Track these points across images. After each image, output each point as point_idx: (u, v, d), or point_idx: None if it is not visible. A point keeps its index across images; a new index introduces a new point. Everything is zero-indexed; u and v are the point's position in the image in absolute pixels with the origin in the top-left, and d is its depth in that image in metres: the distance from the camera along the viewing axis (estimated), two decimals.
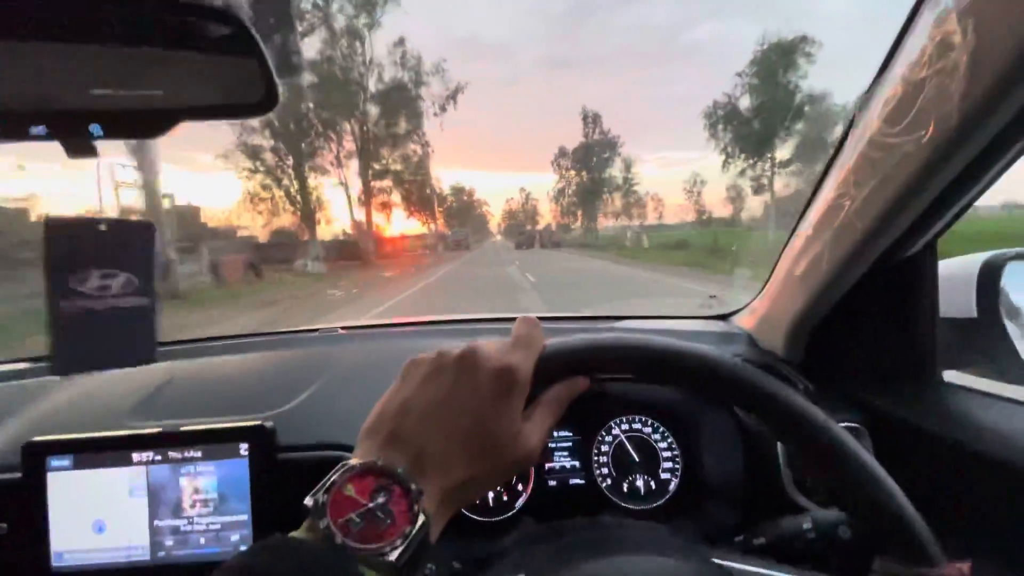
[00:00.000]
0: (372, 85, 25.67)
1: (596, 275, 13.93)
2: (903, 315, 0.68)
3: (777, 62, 26.38)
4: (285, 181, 23.32)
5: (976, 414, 0.61)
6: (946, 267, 0.66)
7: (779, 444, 0.67)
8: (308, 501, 0.31)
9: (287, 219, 23.46)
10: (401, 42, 26.31)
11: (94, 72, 0.44)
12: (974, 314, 0.66)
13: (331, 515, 0.30)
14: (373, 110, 26.05)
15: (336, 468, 0.32)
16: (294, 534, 0.30)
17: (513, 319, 0.42)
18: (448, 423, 0.34)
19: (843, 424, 0.66)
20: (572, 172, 58.56)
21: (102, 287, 0.39)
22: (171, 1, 0.41)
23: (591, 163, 54.62)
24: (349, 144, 24.96)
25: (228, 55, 0.45)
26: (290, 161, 22.94)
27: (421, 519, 0.31)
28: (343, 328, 1.09)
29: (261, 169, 22.76)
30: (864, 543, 0.40)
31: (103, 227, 0.43)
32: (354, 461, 0.32)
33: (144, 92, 0.44)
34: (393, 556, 0.29)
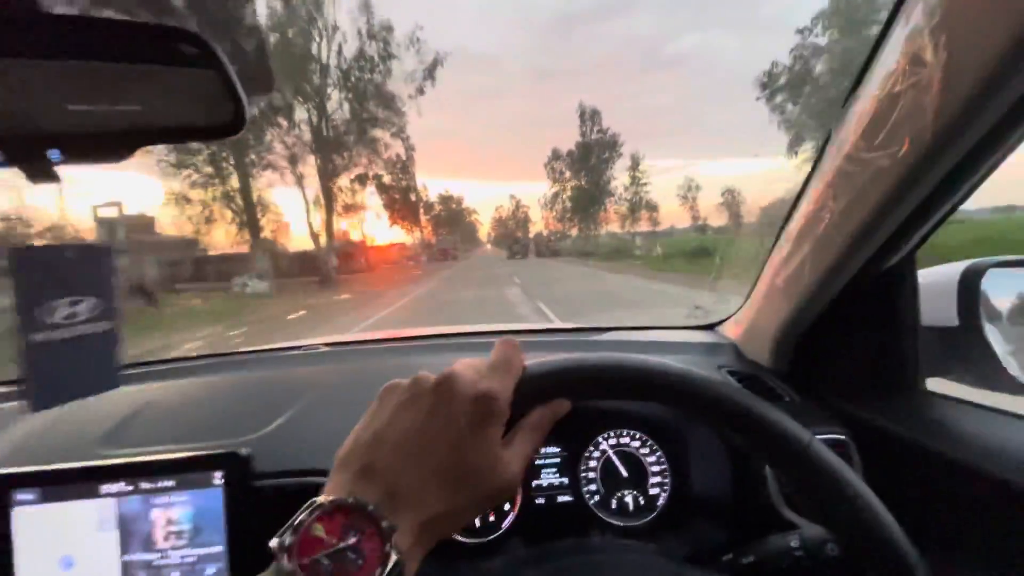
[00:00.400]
0: (332, 58, 21.30)
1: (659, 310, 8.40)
2: (885, 324, 0.69)
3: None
4: (220, 180, 19.40)
5: (958, 424, 0.61)
6: (927, 275, 0.67)
7: None
8: (273, 543, 0.30)
9: (224, 228, 19.99)
10: (367, 6, 22.26)
11: (51, 94, 0.42)
12: (955, 322, 0.67)
13: (299, 556, 0.29)
14: (334, 92, 22.10)
15: (304, 507, 0.31)
16: None
17: (499, 332, 0.41)
18: (423, 454, 0.33)
19: (828, 435, 0.66)
20: (568, 175, 55.62)
21: (71, 315, 0.38)
22: (131, 22, 0.40)
23: (590, 163, 51.41)
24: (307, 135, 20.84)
25: (193, 76, 0.44)
26: (227, 155, 18.55)
27: (393, 558, 0.30)
28: (326, 345, 1.07)
29: (189, 164, 18.69)
30: (852, 561, 0.39)
31: (69, 253, 0.41)
32: (323, 499, 0.31)
33: (104, 115, 0.43)
34: None
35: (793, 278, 0.68)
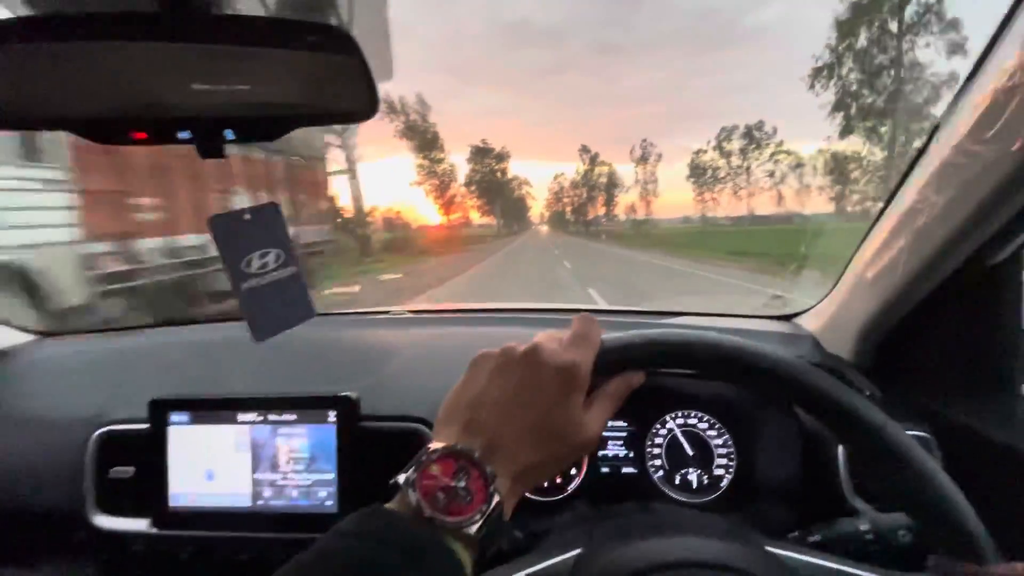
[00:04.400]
0: None
1: None
2: (983, 325, 0.66)
3: None
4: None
5: None
6: None
7: (840, 447, 0.67)
8: (400, 478, 0.35)
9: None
10: None
11: (222, 80, 0.51)
12: None
13: (420, 491, 0.34)
14: None
15: (421, 451, 0.36)
16: (388, 505, 0.35)
17: (570, 310, 0.45)
18: (516, 416, 0.38)
19: (910, 432, 0.65)
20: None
21: (263, 265, 0.47)
22: (282, 20, 0.47)
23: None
24: None
25: (333, 64, 0.51)
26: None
27: (496, 498, 0.35)
28: (410, 312, 1.16)
29: None
30: (923, 545, 0.41)
31: (247, 216, 0.49)
32: (436, 445, 0.37)
33: (265, 99, 0.51)
34: (472, 530, 0.33)
35: (885, 272, 0.67)
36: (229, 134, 0.50)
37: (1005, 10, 0.41)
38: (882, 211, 0.68)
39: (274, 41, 0.49)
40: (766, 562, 0.40)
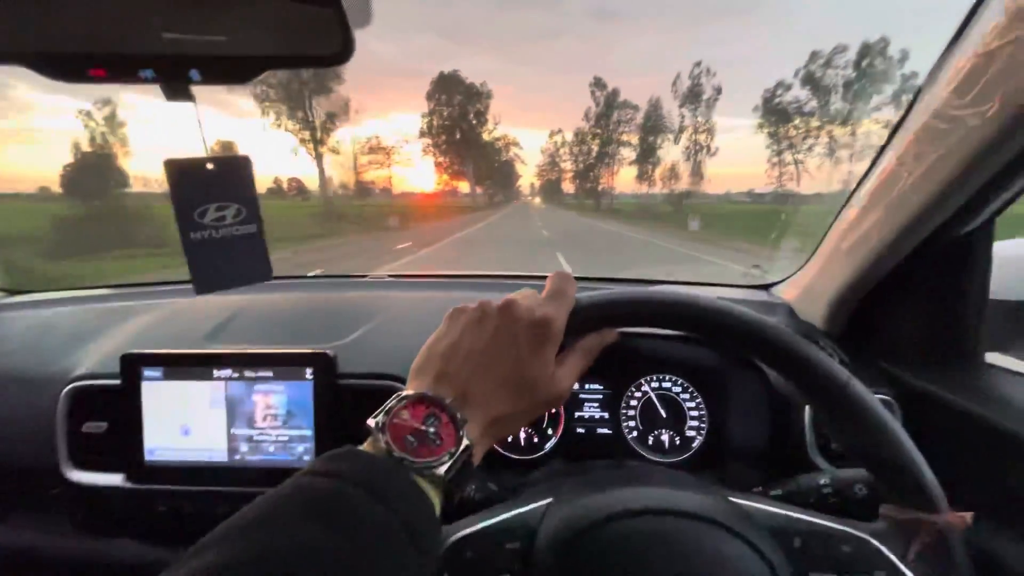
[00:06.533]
0: None
1: None
2: (951, 293, 0.67)
3: None
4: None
5: (1016, 395, 0.61)
6: (1001, 248, 0.65)
7: (806, 409, 0.69)
8: (371, 422, 0.36)
9: None
10: None
11: (188, 19, 0.48)
12: None
13: (390, 434, 0.35)
14: None
15: (393, 396, 0.37)
16: (359, 447, 0.35)
17: (545, 277, 0.46)
18: (490, 367, 0.39)
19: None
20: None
21: (219, 218, 0.45)
22: None
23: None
24: None
25: (306, 7, 0.48)
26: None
27: (465, 442, 0.35)
28: (390, 276, 1.15)
29: None
30: (878, 498, 0.43)
31: (211, 165, 0.48)
32: (408, 391, 0.37)
33: (234, 40, 0.49)
34: (441, 471, 0.34)
35: (860, 240, 0.68)
36: (195, 74, 0.48)
37: None
38: (860, 181, 0.69)
39: None
40: (728, 510, 0.41)
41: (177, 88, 0.48)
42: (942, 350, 0.70)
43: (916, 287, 0.70)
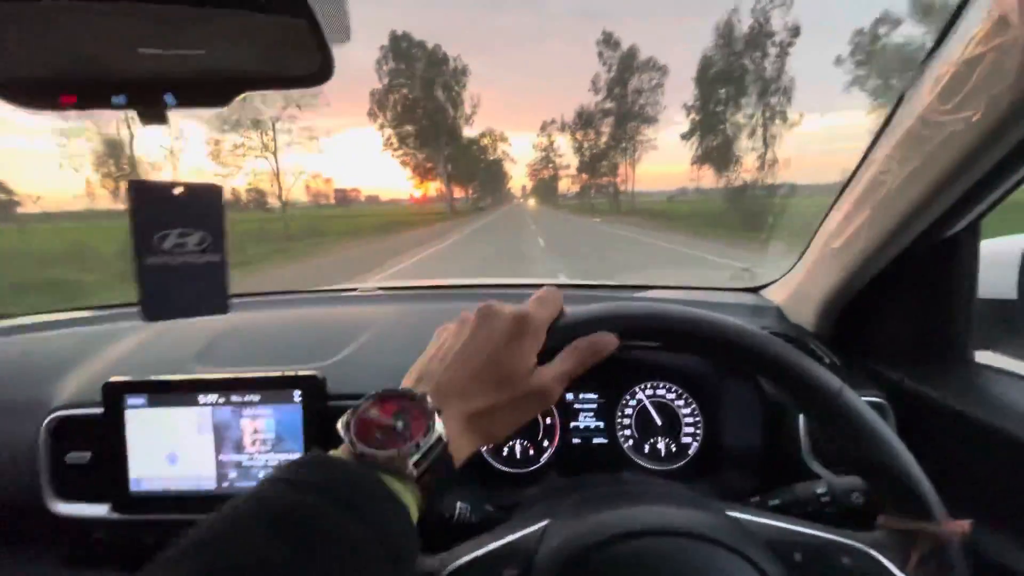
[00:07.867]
0: None
1: None
2: (940, 294, 0.68)
3: None
4: None
5: (1005, 394, 0.61)
6: (988, 247, 0.65)
7: (800, 416, 0.69)
8: (339, 424, 0.34)
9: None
10: None
11: (161, 41, 0.47)
12: (1014, 296, 0.66)
13: (356, 433, 0.34)
14: None
15: (362, 398, 0.36)
16: (329, 453, 0.34)
17: (539, 285, 0.45)
18: (466, 361, 0.39)
19: (865, 399, 0.67)
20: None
21: (179, 244, 0.44)
22: None
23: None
24: None
25: (284, 25, 0.47)
26: None
27: (436, 432, 0.34)
28: (380, 289, 1.14)
29: None
30: (875, 506, 0.42)
31: (178, 190, 0.46)
32: (377, 391, 0.37)
33: (211, 62, 0.47)
34: (409, 464, 0.32)
35: (848, 242, 0.68)
36: (170, 99, 0.46)
37: None
38: (847, 183, 0.69)
39: (222, 1, 0.45)
40: (727, 527, 0.41)
41: (152, 114, 0.47)
42: (932, 350, 0.71)
43: (905, 288, 0.70)
